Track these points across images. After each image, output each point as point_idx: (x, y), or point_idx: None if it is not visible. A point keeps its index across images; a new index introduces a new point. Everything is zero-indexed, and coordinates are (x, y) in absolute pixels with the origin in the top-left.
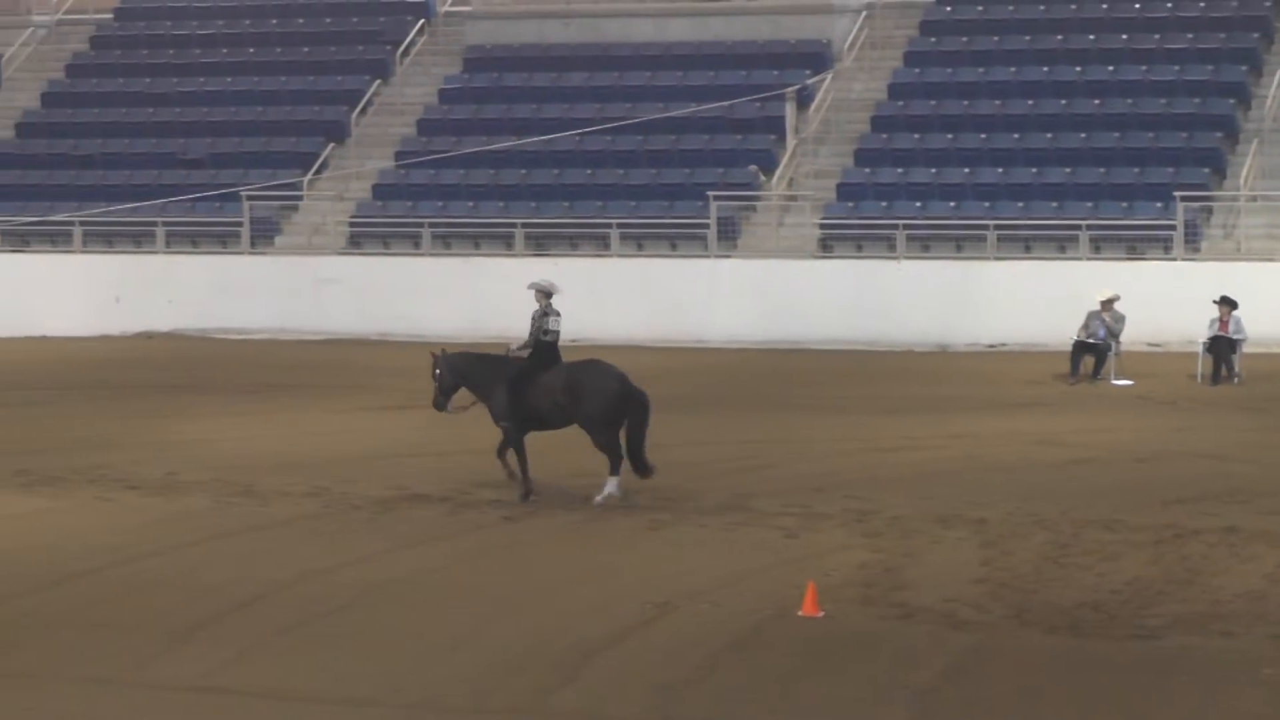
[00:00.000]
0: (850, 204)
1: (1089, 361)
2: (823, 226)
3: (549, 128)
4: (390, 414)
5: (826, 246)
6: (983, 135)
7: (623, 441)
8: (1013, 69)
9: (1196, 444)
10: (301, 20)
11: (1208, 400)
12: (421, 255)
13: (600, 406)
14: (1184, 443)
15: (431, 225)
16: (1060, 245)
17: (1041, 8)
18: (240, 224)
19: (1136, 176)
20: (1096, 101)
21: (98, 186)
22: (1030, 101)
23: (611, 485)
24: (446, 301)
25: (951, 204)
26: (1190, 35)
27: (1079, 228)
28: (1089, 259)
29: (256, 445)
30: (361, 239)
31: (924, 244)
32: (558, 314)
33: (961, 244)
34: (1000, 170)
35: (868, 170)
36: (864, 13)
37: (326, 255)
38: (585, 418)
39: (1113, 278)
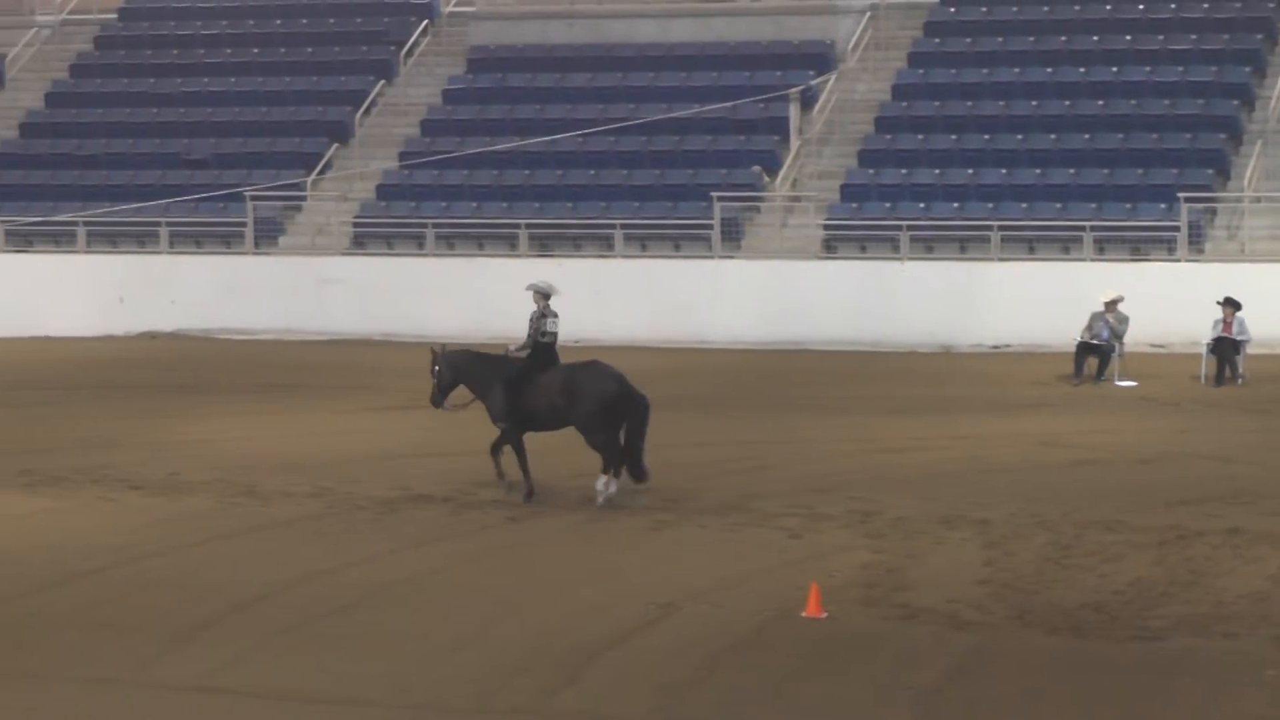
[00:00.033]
0: (854, 205)
1: (1093, 363)
2: (826, 227)
3: (552, 128)
4: (394, 415)
5: (830, 247)
6: (986, 136)
7: (622, 444)
8: (1017, 70)
9: (1200, 445)
10: (305, 20)
11: (1211, 402)
12: (425, 256)
13: (596, 408)
14: (1187, 444)
15: (435, 226)
16: (1064, 246)
17: (1045, 9)
18: (244, 224)
19: (1140, 177)
20: (1100, 102)
21: (102, 187)
22: (1034, 102)
23: (607, 483)
24: (450, 302)
25: (955, 205)
26: (1194, 36)
27: (1083, 229)
28: (1093, 260)
29: (260, 446)
30: (365, 239)
31: (928, 245)
32: (555, 315)
33: (965, 245)
34: (1004, 171)
35: (871, 171)
36: (868, 13)
37: (330, 256)
38: (581, 419)
39: (1116, 279)
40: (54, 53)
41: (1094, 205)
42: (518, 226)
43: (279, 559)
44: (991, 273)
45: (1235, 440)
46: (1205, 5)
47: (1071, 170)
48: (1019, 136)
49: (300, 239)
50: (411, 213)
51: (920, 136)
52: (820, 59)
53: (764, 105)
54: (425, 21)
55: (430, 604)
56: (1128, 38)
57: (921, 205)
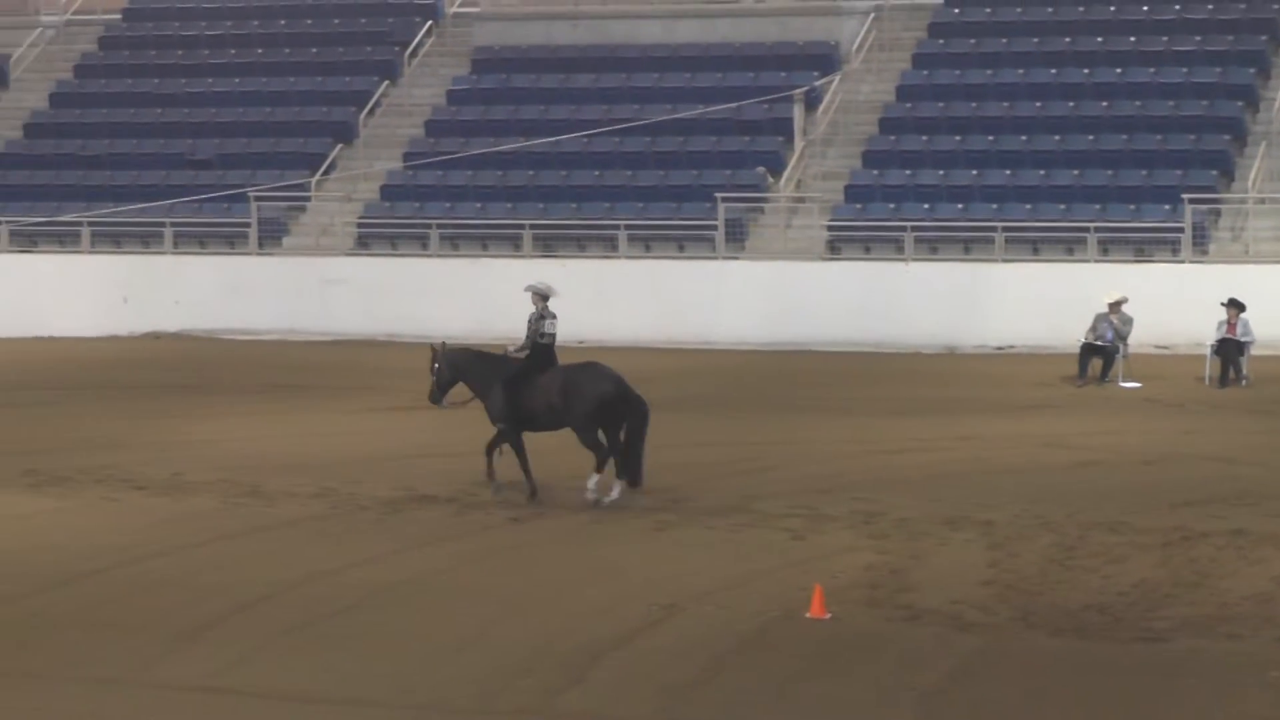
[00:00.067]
0: (858, 206)
1: (1097, 364)
2: (830, 228)
3: (557, 129)
4: (397, 415)
5: (834, 248)
6: (990, 137)
7: (621, 447)
8: (1021, 71)
9: (1204, 446)
10: (310, 21)
11: (1215, 403)
12: (429, 256)
13: (593, 408)
14: (1191, 445)
15: (439, 226)
16: (1068, 247)
17: (1049, 10)
18: (248, 225)
19: (1144, 179)
20: (1104, 104)
21: (105, 187)
22: (1038, 103)
23: (611, 487)
24: (454, 302)
25: (959, 206)
26: (1198, 38)
27: (1087, 230)
28: (1097, 261)
29: (263, 446)
30: (369, 240)
31: (932, 246)
32: (554, 316)
33: (969, 246)
34: (1008, 172)
35: (875, 172)
36: (872, 14)
37: (334, 256)
38: (578, 419)
39: (1120, 280)
40: (58, 53)
41: (1098, 206)
42: (522, 227)
43: (282, 559)
44: (995, 274)
45: (1239, 441)
46: (1210, 6)
47: (1076, 171)
48: (1023, 137)
49: (304, 239)
50: (416, 213)
51: (924, 137)
52: (824, 60)
53: (768, 106)
54: (430, 22)
55: (434, 604)
56: (1132, 39)
57: (925, 206)
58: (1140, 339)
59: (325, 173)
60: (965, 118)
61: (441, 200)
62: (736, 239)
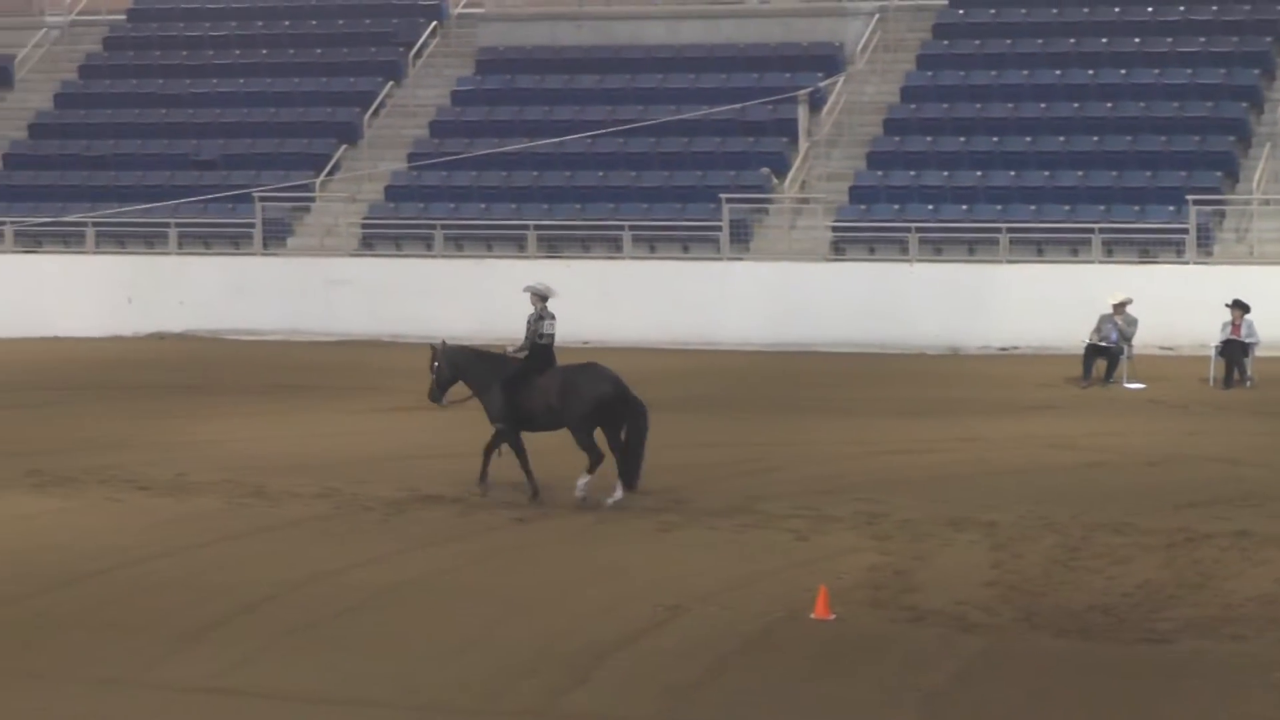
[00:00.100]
0: (862, 207)
1: (1101, 365)
2: (835, 229)
3: (561, 130)
4: (401, 416)
5: (838, 249)
6: (995, 138)
7: (621, 447)
8: (1025, 72)
9: (1208, 448)
10: (314, 22)
11: (1220, 404)
12: (434, 257)
13: (592, 408)
14: (1196, 446)
15: (444, 227)
16: (1072, 248)
17: (1054, 11)
18: (252, 225)
19: (1149, 180)
20: (1109, 105)
21: (110, 187)
22: (1042, 104)
23: (585, 482)
24: (458, 303)
25: (964, 207)
26: (1203, 39)
27: (1091, 231)
28: (1101, 262)
29: (267, 446)
30: (374, 240)
31: (936, 247)
32: (553, 317)
33: (974, 247)
34: (1012, 173)
35: (880, 173)
36: (876, 15)
37: (339, 257)
38: (575, 419)
39: (1125, 281)
40: (63, 54)
41: (1102, 207)
42: (526, 228)
43: (286, 560)
44: (1000, 275)
45: (1243, 443)
46: (1214, 8)
47: (1080, 172)
48: (1027, 139)
49: (309, 240)
50: (420, 214)
51: (929, 138)
52: (829, 61)
53: (772, 107)
54: (434, 23)
55: (438, 605)
56: (1136, 40)
57: (930, 207)
58: (1145, 340)
59: (330, 173)
60: (970, 119)
61: (446, 201)
62: (741, 240)
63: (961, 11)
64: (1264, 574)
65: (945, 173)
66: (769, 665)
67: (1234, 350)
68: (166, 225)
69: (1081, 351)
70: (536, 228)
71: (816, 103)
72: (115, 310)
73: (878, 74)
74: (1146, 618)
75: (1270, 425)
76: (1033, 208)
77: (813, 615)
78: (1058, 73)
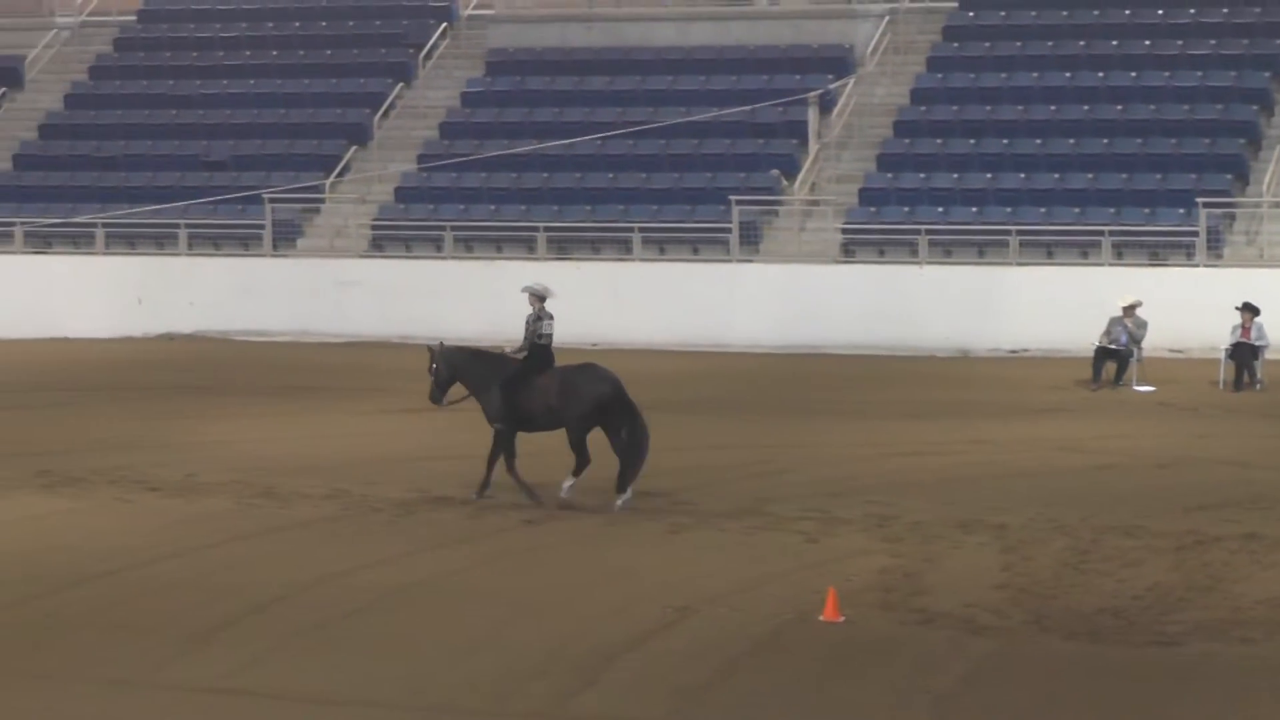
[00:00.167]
0: (872, 209)
1: (1111, 367)
2: (844, 231)
3: (571, 131)
4: (411, 417)
5: (848, 251)
6: (1005, 140)
7: (622, 447)
8: (1035, 74)
9: (1218, 450)
10: (324, 23)
11: (1229, 407)
12: (443, 258)
13: (590, 409)
14: (1205, 449)
15: (453, 228)
16: (1082, 251)
17: (1064, 13)
18: (262, 226)
19: (1159, 182)
20: (1119, 107)
21: (120, 188)
22: (1053, 107)
23: (571, 485)
24: (468, 304)
25: (973, 209)
26: (1213, 41)
27: (1101, 233)
28: (1111, 265)
29: (277, 447)
30: (383, 242)
31: (946, 249)
32: (551, 317)
33: (983, 249)
34: (1022, 175)
35: (890, 175)
36: (887, 17)
37: (348, 258)
38: (574, 419)
39: (1135, 284)
40: (73, 54)
41: (1112, 210)
42: (536, 229)
43: (296, 561)
44: (1009, 277)
45: (1253, 445)
46: (1224, 10)
47: (1090, 175)
48: (1037, 141)
49: (318, 241)
50: (430, 215)
51: (939, 141)
52: (839, 63)
53: (782, 109)
54: (444, 24)
55: (447, 606)
56: (1146, 42)
57: (940, 209)
58: (1154, 343)
59: (339, 174)
60: (980, 121)
61: (455, 202)
62: (750, 242)
63: (971, 14)
64: (1274, 577)
65: (955, 175)
66: (778, 667)
67: (1244, 353)
68: (176, 226)
69: (1091, 354)
70: (546, 229)
71: (826, 105)
72: (125, 311)
73: (888, 76)
74: (1156, 620)
75: None
76: (1042, 210)
77: (822, 617)
78: (1068, 75)
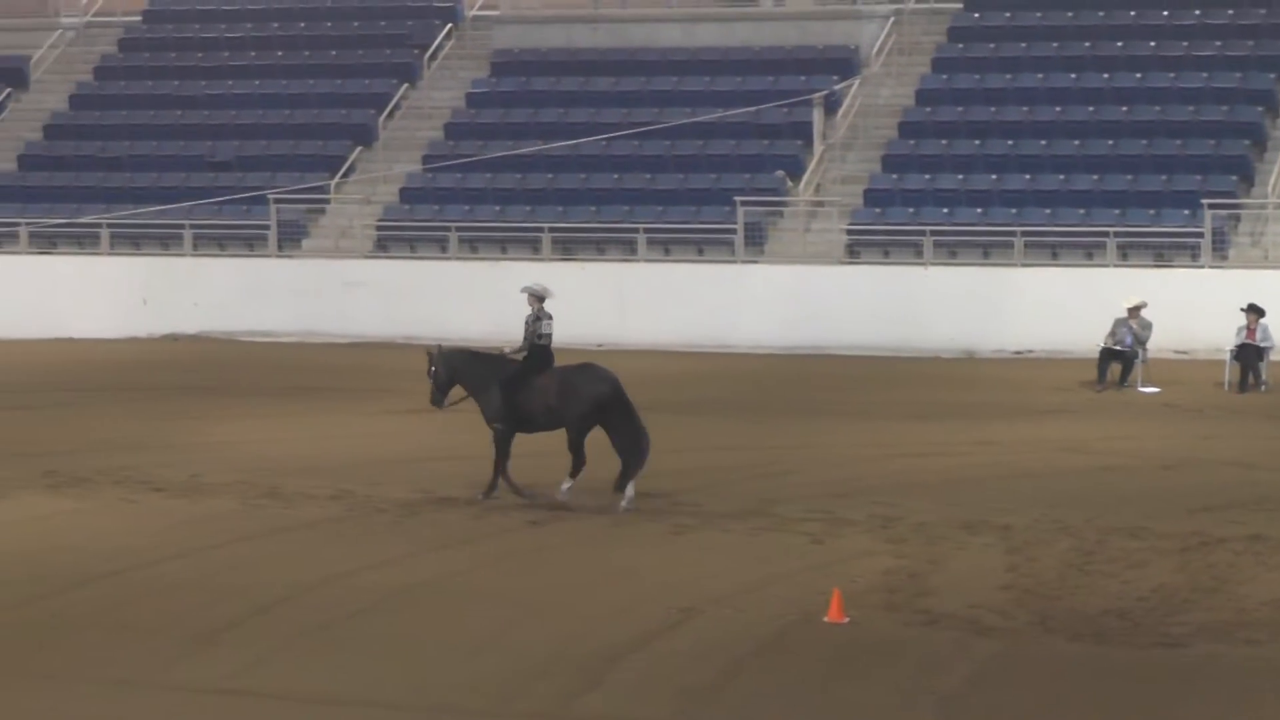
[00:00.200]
0: (877, 210)
1: (1116, 368)
2: (849, 232)
3: (576, 132)
4: (415, 418)
5: (853, 252)
6: (1010, 142)
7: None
8: (1040, 76)
9: (1223, 451)
10: (329, 24)
11: (1234, 408)
12: (448, 259)
13: (589, 408)
14: (1210, 450)
15: (458, 229)
16: (1087, 252)
17: (1069, 15)
18: (267, 227)
19: (1164, 184)
20: (1124, 109)
21: (125, 189)
22: (1058, 108)
23: (569, 486)
24: (473, 305)
25: (979, 210)
26: (1218, 43)
27: (1106, 235)
28: (1116, 266)
29: (282, 448)
30: (388, 242)
31: (951, 250)
32: (550, 317)
33: (988, 250)
34: (1027, 177)
35: (895, 176)
36: (892, 18)
37: (353, 258)
38: (573, 419)
39: (1140, 285)
40: (78, 55)
41: (1118, 211)
42: (541, 230)
43: (300, 561)
44: (1015, 278)
45: (1258, 446)
46: (1230, 11)
47: (1095, 176)
48: (1042, 142)
49: (323, 242)
50: (435, 216)
51: (944, 141)
52: (844, 64)
53: (787, 110)
54: (449, 25)
55: (451, 607)
56: (1152, 44)
57: (945, 210)
58: (1159, 344)
59: (344, 175)
60: (984, 122)
61: (460, 203)
62: (755, 243)
63: (977, 15)
64: (1278, 578)
65: (960, 176)
66: (783, 668)
67: (1249, 354)
68: (181, 227)
69: (1096, 355)
70: (551, 230)
71: (831, 106)
72: (130, 311)
73: (893, 77)
74: (1161, 622)
75: None
76: (1048, 211)
77: (827, 618)
78: (1073, 76)
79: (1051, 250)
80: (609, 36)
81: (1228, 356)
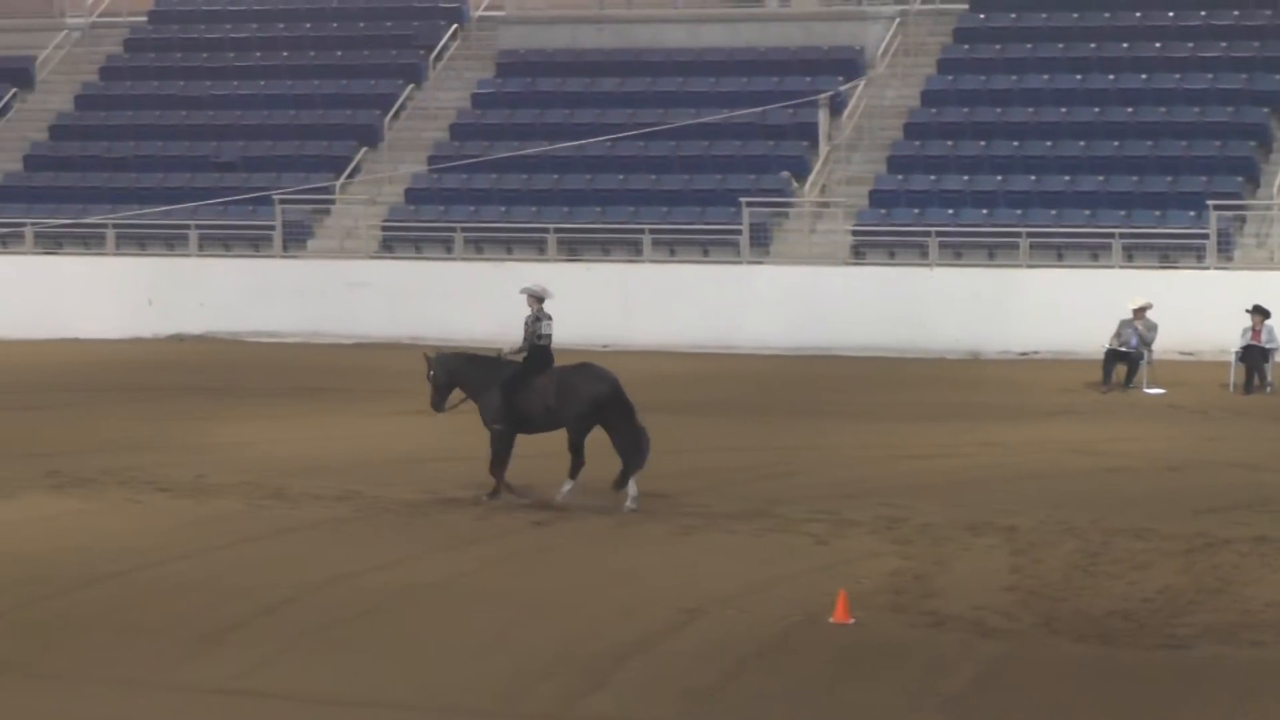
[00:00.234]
0: (882, 211)
1: (1121, 370)
2: (855, 233)
3: (581, 133)
4: (421, 418)
5: (858, 253)
6: (1015, 143)
7: (623, 446)
8: (1046, 77)
9: (1228, 453)
10: (335, 24)
11: (1240, 409)
12: (453, 260)
13: (588, 408)
14: (1215, 452)
15: (464, 230)
16: (1093, 253)
17: (1075, 15)
18: (272, 227)
19: (1169, 185)
20: (1129, 109)
21: (131, 189)
22: (1063, 109)
23: (569, 487)
24: (478, 306)
25: (984, 211)
26: (1224, 44)
27: (1111, 236)
28: (1121, 267)
29: (287, 448)
30: (393, 243)
31: (956, 251)
32: (550, 318)
33: (994, 251)
34: (1033, 178)
35: (900, 177)
36: (897, 19)
37: (358, 259)
38: (573, 419)
39: (1145, 286)
40: (84, 55)
41: (1123, 212)
42: (546, 231)
43: (306, 562)
44: (1020, 279)
45: (1263, 448)
46: (1235, 13)
47: (1100, 177)
48: (1048, 143)
49: (329, 242)
50: (440, 216)
51: (949, 143)
52: (849, 65)
53: (793, 111)
54: (454, 26)
55: (456, 607)
56: (1157, 45)
57: (950, 211)
58: (1165, 345)
59: (350, 176)
60: (990, 123)
61: (466, 204)
62: (761, 243)
63: (982, 16)
64: None
65: (965, 177)
66: (788, 669)
67: (1254, 355)
68: (187, 227)
69: (1101, 356)
70: (556, 231)
71: (837, 107)
72: (135, 312)
73: (898, 78)
74: (1166, 623)
75: None
76: (1053, 212)
77: (832, 619)
78: (1078, 77)
79: (1057, 251)
80: (614, 37)
81: (1233, 358)
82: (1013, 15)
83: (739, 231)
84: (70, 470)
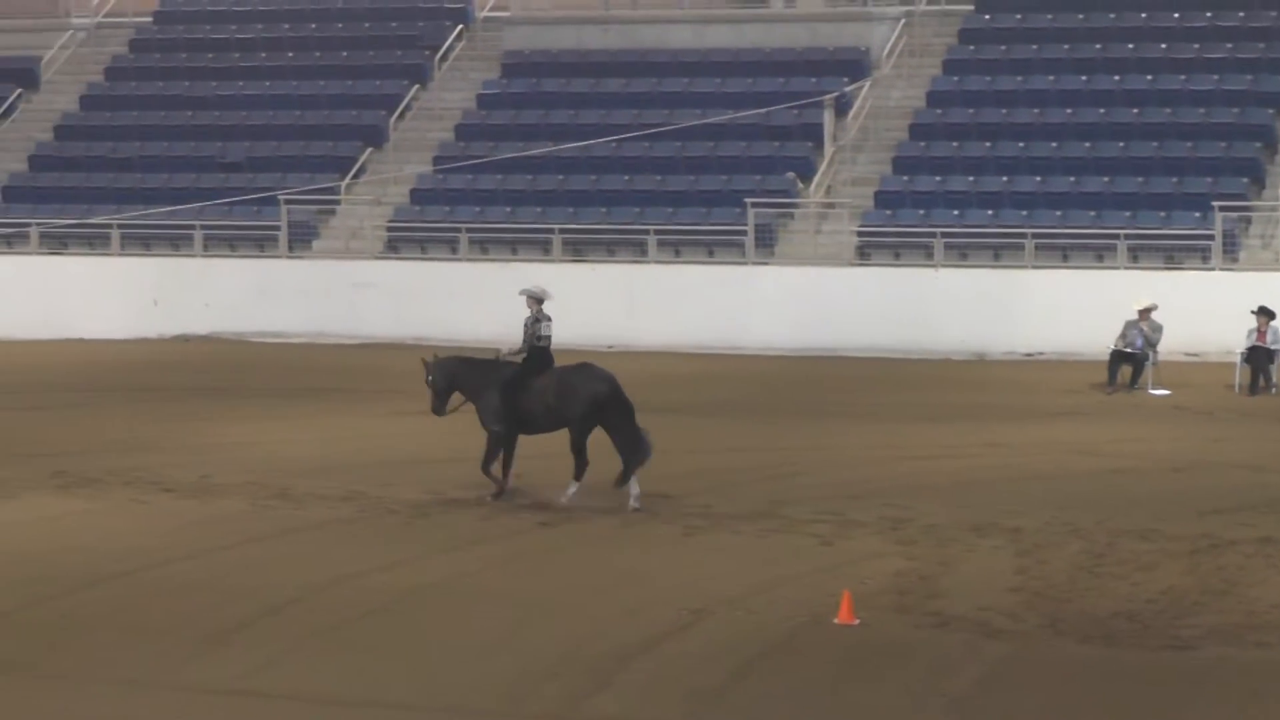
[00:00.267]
0: (888, 212)
1: (1126, 371)
2: (860, 234)
3: (587, 133)
4: (425, 419)
5: (864, 254)
6: (1021, 144)
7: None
8: (1051, 78)
9: (1233, 454)
10: (340, 25)
11: (1245, 410)
12: (458, 260)
13: (588, 408)
14: (1221, 453)
15: (469, 230)
16: (1098, 254)
17: (1080, 17)
18: (278, 228)
19: (1175, 186)
20: (1135, 110)
21: (136, 189)
22: (1069, 110)
23: (575, 489)
24: (483, 306)
25: (989, 212)
26: (1229, 45)
27: (1117, 237)
28: (1127, 268)
29: (292, 449)
30: (399, 243)
31: (961, 252)
32: (549, 319)
33: (999, 252)
34: (1038, 179)
35: (905, 178)
36: (903, 20)
37: (363, 260)
38: (573, 420)
39: (1150, 287)
40: (89, 55)
41: (1128, 213)
42: (551, 231)
43: (311, 562)
44: (1025, 280)
45: (1268, 449)
46: (1241, 14)
47: (1106, 178)
48: (1053, 144)
49: (334, 243)
50: (445, 217)
51: (955, 143)
52: (855, 65)
53: (798, 111)
54: (460, 26)
55: (461, 608)
56: (1163, 46)
57: (955, 212)
58: (1170, 346)
59: (355, 176)
60: (995, 124)
61: (471, 204)
62: (766, 244)
63: (988, 17)
64: None
65: (971, 178)
66: (793, 670)
67: (1259, 356)
68: (192, 227)
69: (1106, 357)
70: (561, 231)
71: (842, 107)
72: (140, 312)
73: (904, 79)
74: (1171, 624)
75: None
76: (1058, 213)
77: (837, 620)
78: (1084, 78)
79: (1062, 252)
80: (620, 38)
81: (1238, 359)
82: (1018, 16)
83: (744, 232)
84: (75, 470)
